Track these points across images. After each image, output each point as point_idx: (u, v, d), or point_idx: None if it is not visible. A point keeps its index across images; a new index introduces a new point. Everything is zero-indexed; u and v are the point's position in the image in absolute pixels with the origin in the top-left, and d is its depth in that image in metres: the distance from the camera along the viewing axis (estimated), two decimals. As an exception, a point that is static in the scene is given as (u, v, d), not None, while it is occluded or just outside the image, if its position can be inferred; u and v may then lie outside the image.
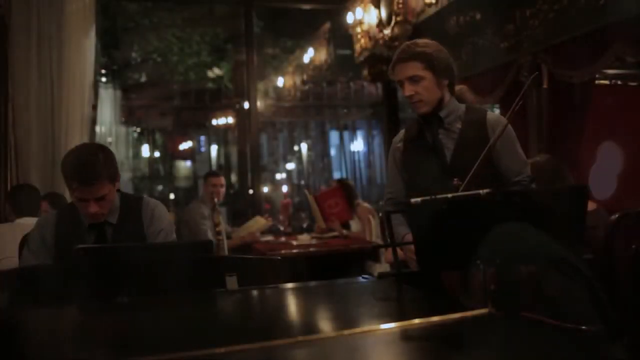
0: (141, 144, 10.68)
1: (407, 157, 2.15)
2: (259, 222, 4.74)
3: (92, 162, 1.97)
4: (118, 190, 2.14)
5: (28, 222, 3.00)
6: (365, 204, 4.94)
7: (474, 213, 1.42)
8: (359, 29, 5.34)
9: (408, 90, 2.05)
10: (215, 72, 9.79)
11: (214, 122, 9.58)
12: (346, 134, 11.53)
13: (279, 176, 11.41)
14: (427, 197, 1.40)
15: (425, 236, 1.45)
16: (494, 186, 1.96)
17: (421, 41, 2.10)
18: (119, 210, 2.12)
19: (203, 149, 11.60)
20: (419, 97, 2.04)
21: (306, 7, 6.71)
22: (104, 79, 8.17)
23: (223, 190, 4.85)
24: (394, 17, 4.59)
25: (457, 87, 2.17)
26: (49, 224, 2.11)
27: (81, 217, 2.09)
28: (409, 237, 1.86)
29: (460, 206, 1.42)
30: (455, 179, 1.95)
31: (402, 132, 2.24)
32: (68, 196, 4.13)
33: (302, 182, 11.36)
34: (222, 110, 9.43)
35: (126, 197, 2.17)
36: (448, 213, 1.40)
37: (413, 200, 1.40)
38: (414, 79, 2.03)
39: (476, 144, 2.01)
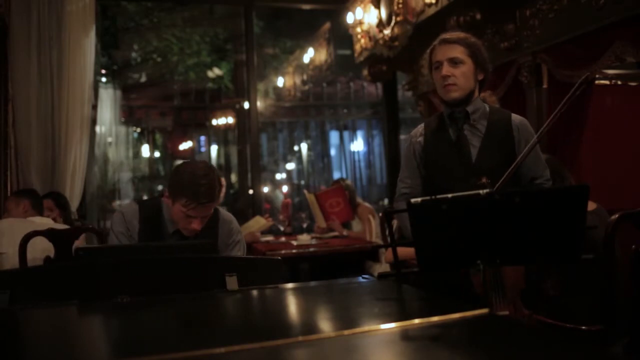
0: (141, 144, 10.68)
1: (429, 152, 2.13)
2: (259, 222, 4.74)
3: (213, 185, 2.06)
4: None
5: (38, 221, 3.01)
6: (366, 204, 4.94)
7: (474, 213, 1.42)
8: (359, 29, 5.34)
9: (446, 70, 2.03)
10: (215, 72, 9.80)
11: (214, 122, 9.58)
12: (346, 134, 11.53)
13: (279, 176, 11.40)
14: (427, 197, 1.40)
15: (425, 236, 1.45)
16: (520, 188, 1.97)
17: (464, 33, 2.13)
18: None
19: (203, 149, 11.59)
20: (454, 80, 2.03)
21: (306, 7, 6.71)
22: (104, 79, 8.17)
23: (223, 190, 4.85)
24: (394, 17, 4.58)
25: (481, 95, 2.17)
26: (133, 219, 2.13)
27: (165, 221, 2.15)
28: None
29: (461, 206, 1.42)
30: (484, 177, 1.94)
31: (421, 126, 2.21)
32: (68, 196, 4.15)
33: (302, 182, 11.35)
34: (222, 110, 9.43)
35: None
36: (448, 213, 1.40)
37: (413, 200, 1.40)
38: (455, 61, 2.03)
39: (501, 145, 2.02)
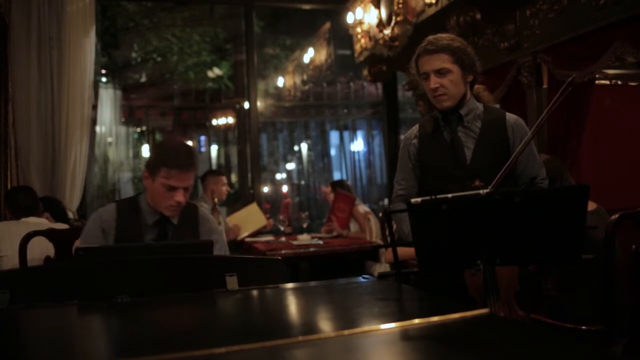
0: (141, 144, 10.67)
1: (424, 154, 2.12)
2: (252, 211, 4.75)
3: (191, 151, 2.13)
4: None
5: (32, 221, 3.00)
6: (361, 207, 4.93)
7: (474, 213, 1.42)
8: (359, 29, 5.34)
9: (434, 82, 2.00)
10: (215, 72, 9.79)
11: (214, 122, 9.57)
12: (346, 134, 11.52)
13: (279, 176, 11.40)
14: (427, 197, 1.40)
15: (425, 236, 1.45)
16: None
17: (447, 35, 2.06)
18: (180, 212, 2.19)
19: (203, 149, 11.59)
20: (444, 90, 2.00)
21: (306, 7, 6.71)
22: (104, 79, 8.17)
23: (225, 189, 4.85)
24: (394, 17, 4.58)
25: (475, 87, 2.14)
26: (110, 218, 2.14)
27: (143, 213, 2.15)
28: None
29: (461, 206, 1.42)
30: (477, 180, 1.93)
31: (415, 128, 2.20)
32: (68, 196, 4.15)
33: (302, 182, 11.35)
34: (222, 110, 9.42)
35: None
36: (448, 213, 1.40)
37: (413, 200, 1.40)
38: (441, 72, 1.99)
39: (496, 145, 2.01)
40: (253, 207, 4.96)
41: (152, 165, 2.11)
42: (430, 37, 2.05)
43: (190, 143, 11.30)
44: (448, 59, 1.99)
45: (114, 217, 2.14)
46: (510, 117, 2.08)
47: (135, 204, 2.18)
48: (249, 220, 4.78)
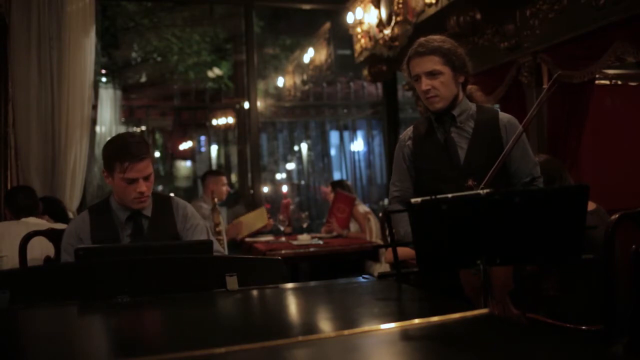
0: (141, 144, 10.62)
1: (418, 155, 2.13)
2: (259, 214, 4.77)
3: (139, 140, 2.11)
4: None
5: (32, 222, 3.00)
6: (361, 207, 4.93)
7: (474, 213, 1.42)
8: (359, 29, 5.34)
9: (425, 84, 2.01)
10: (215, 72, 9.79)
11: (214, 122, 9.57)
12: (346, 134, 11.52)
13: (279, 176, 11.40)
14: (427, 197, 1.40)
15: (425, 236, 1.45)
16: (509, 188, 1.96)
17: (437, 37, 2.06)
18: (152, 204, 2.21)
19: (203, 149, 11.58)
20: (435, 92, 2.01)
21: (306, 7, 6.71)
22: (104, 79, 8.16)
23: (225, 189, 4.86)
24: (394, 17, 4.58)
25: (468, 87, 2.15)
26: (84, 224, 2.16)
27: (114, 212, 2.17)
28: None
29: (461, 206, 1.42)
30: (470, 180, 1.94)
31: (410, 129, 2.21)
32: (68, 196, 4.15)
33: (303, 182, 11.36)
34: (222, 110, 9.43)
35: (156, 193, 2.25)
36: (448, 213, 1.40)
37: (413, 200, 1.40)
38: (432, 74, 2.00)
39: (489, 144, 2.01)
40: (261, 210, 4.99)
41: (107, 162, 2.12)
42: (421, 39, 2.07)
43: (190, 143, 11.32)
44: (439, 61, 2.00)
45: (87, 223, 2.16)
46: (503, 116, 2.08)
47: (106, 205, 2.20)
48: (253, 221, 4.79)
